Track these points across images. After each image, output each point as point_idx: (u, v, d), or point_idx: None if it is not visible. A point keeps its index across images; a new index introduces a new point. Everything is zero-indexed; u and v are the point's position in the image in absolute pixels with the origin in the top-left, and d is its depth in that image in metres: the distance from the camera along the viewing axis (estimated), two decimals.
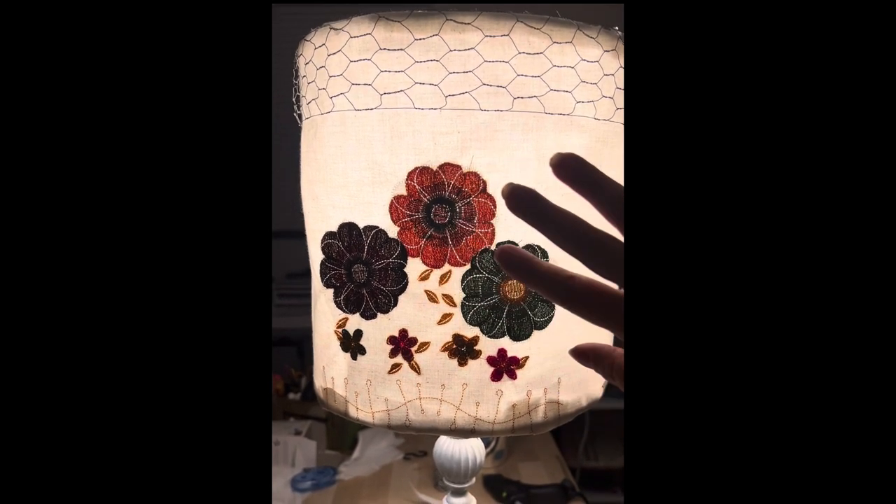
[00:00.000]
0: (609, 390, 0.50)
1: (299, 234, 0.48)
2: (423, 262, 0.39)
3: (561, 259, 0.39)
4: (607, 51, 0.38)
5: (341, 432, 1.18)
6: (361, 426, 1.18)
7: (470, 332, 0.39)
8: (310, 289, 0.48)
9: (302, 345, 1.75)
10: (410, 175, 0.37)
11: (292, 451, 1.10)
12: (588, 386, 0.45)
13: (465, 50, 0.35)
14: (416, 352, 0.40)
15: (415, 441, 1.19)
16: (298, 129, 0.46)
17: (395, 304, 0.40)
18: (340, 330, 0.43)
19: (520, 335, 0.40)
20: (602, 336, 0.45)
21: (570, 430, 1.84)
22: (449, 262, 0.38)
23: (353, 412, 0.44)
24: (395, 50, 0.36)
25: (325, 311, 0.44)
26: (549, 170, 0.38)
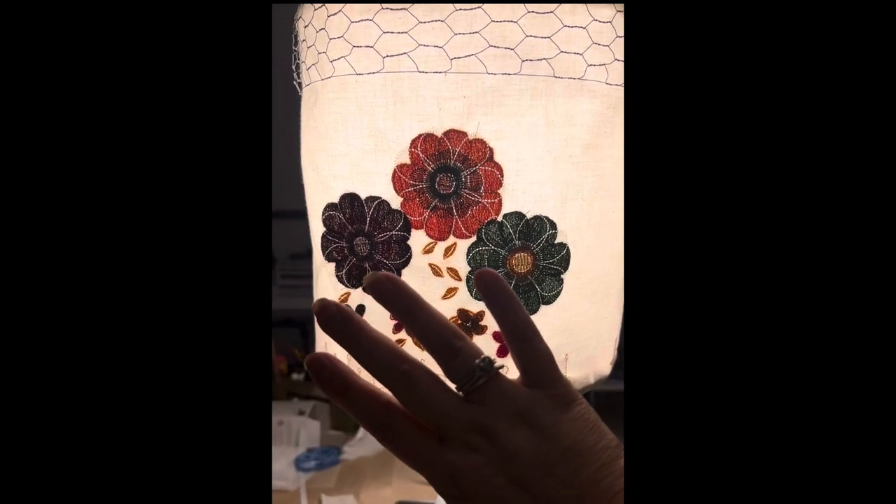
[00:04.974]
0: (617, 370, 0.49)
1: (303, 215, 0.46)
2: (428, 234, 0.37)
3: (571, 230, 0.38)
4: (620, 11, 0.36)
5: (345, 412, 1.18)
6: None
7: (475, 306, 0.38)
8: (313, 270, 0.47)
9: (305, 326, 1.75)
10: (414, 142, 0.36)
11: (296, 431, 1.10)
12: (596, 363, 0.44)
13: (471, 9, 0.33)
14: None
15: None
16: (300, 109, 0.44)
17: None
18: (343, 305, 0.42)
19: (527, 310, 0.39)
20: (610, 313, 0.44)
21: None
22: (454, 235, 0.37)
23: None
24: (397, 9, 0.34)
25: (326, 286, 0.43)
26: (559, 137, 0.36)
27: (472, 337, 0.39)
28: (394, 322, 0.40)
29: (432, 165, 0.36)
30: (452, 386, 0.29)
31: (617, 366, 0.48)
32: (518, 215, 0.37)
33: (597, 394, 1.73)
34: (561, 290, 0.39)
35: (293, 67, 0.44)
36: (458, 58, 0.34)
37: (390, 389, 0.27)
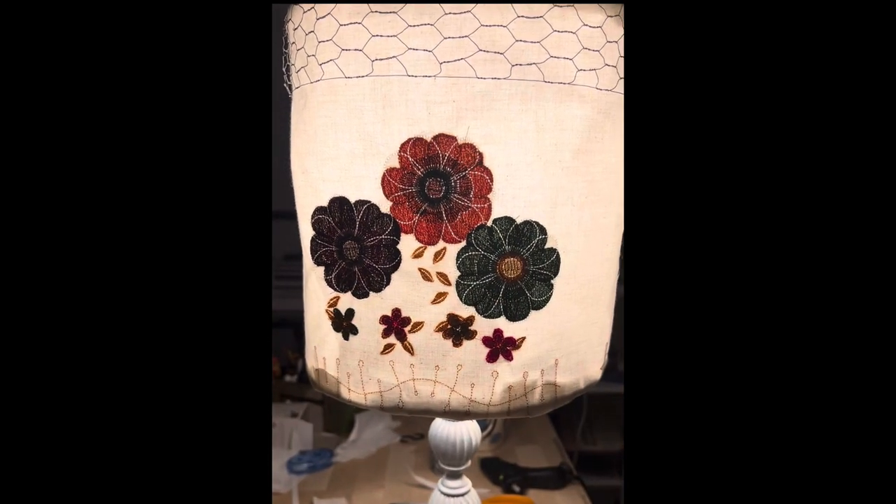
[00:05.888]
0: (607, 374, 0.48)
1: (296, 216, 0.46)
2: (417, 238, 0.37)
3: (561, 236, 0.38)
4: (611, 16, 0.36)
5: (338, 415, 1.18)
6: (358, 409, 1.17)
7: (465, 311, 0.38)
8: None
9: (299, 327, 1.74)
10: (403, 147, 0.36)
11: (288, 433, 1.09)
12: (586, 368, 0.44)
13: (461, 13, 0.33)
14: (410, 332, 0.39)
15: (412, 423, 1.18)
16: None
17: (388, 283, 0.38)
18: (332, 309, 0.42)
19: (516, 315, 0.38)
20: (600, 318, 0.44)
21: (567, 413, 1.83)
22: (443, 239, 0.37)
23: (344, 393, 0.43)
24: (387, 12, 0.34)
25: (315, 290, 0.43)
26: (549, 142, 0.36)
27: (461, 342, 0.39)
28: (383, 327, 0.39)
29: (422, 170, 0.36)
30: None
31: (607, 368, 0.48)
32: (508, 220, 0.36)
33: (590, 396, 1.73)
34: (551, 296, 0.39)
35: (283, 70, 0.44)
36: (448, 62, 0.34)
37: None
